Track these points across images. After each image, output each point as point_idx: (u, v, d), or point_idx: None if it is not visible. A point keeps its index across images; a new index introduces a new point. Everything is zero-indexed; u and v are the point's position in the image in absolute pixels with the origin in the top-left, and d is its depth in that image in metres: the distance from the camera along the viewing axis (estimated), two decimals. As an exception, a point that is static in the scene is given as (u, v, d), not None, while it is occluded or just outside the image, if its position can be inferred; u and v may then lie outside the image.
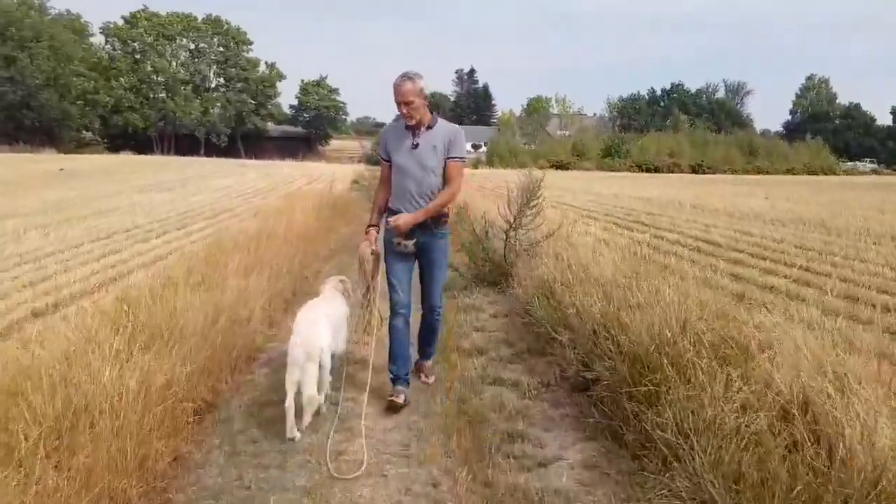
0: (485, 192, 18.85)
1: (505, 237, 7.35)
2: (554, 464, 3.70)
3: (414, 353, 4.89)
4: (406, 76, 4.20)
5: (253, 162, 49.55)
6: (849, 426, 2.74)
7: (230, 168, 37.12)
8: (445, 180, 4.38)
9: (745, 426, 2.99)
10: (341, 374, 4.65)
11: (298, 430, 3.92)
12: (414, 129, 4.34)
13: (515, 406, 4.48)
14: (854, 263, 9.83)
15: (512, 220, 7.40)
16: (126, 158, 49.62)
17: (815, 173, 61.63)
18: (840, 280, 8.46)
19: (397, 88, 4.17)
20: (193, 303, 4.77)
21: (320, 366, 3.92)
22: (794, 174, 59.95)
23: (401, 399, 4.41)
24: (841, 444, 2.69)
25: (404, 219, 4.30)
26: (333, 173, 32.16)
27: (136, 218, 15.14)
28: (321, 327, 4.04)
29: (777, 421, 3.04)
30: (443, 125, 4.41)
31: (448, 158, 4.35)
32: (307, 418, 4.00)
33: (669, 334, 3.87)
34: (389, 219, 4.41)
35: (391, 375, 4.56)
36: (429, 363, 5.02)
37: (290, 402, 3.86)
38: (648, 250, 8.03)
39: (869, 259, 10.07)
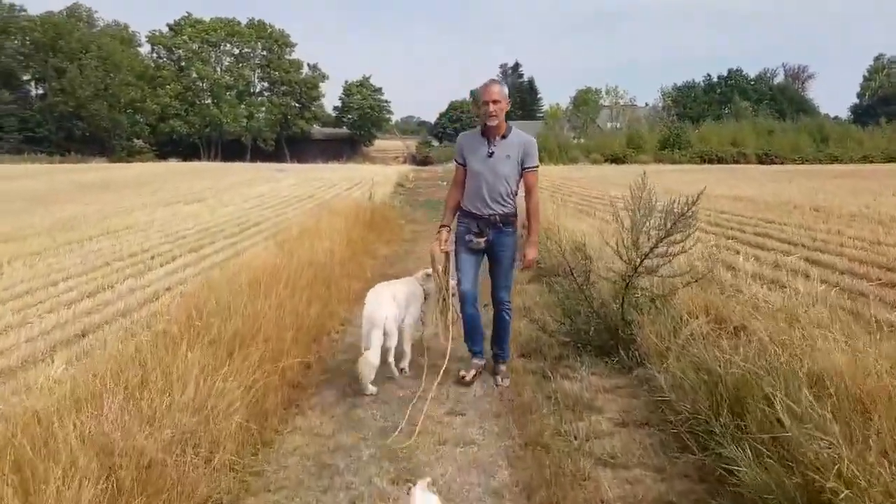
0: (557, 198, 16.09)
1: (625, 284, 4.93)
2: None
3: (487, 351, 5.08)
4: (494, 80, 4.63)
5: (292, 166, 48.11)
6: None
7: (269, 174, 35.41)
8: (526, 189, 4.67)
9: None
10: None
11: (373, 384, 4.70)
12: (489, 138, 4.62)
13: None
14: None
15: (638, 261, 4.81)
16: (169, 166, 48.70)
17: (894, 160, 56.72)
18: None
19: (487, 89, 4.50)
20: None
21: (386, 333, 4.69)
22: (870, 161, 55.25)
23: (471, 375, 4.89)
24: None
25: (532, 254, 4.77)
26: (375, 176, 30.00)
27: (149, 238, 13.23)
28: (384, 300, 4.76)
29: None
30: (516, 135, 4.66)
31: (526, 169, 4.64)
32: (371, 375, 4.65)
33: None
34: (525, 263, 4.73)
35: (469, 349, 5.05)
36: (503, 367, 5.01)
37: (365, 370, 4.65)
38: (841, 297, 5.46)
39: None
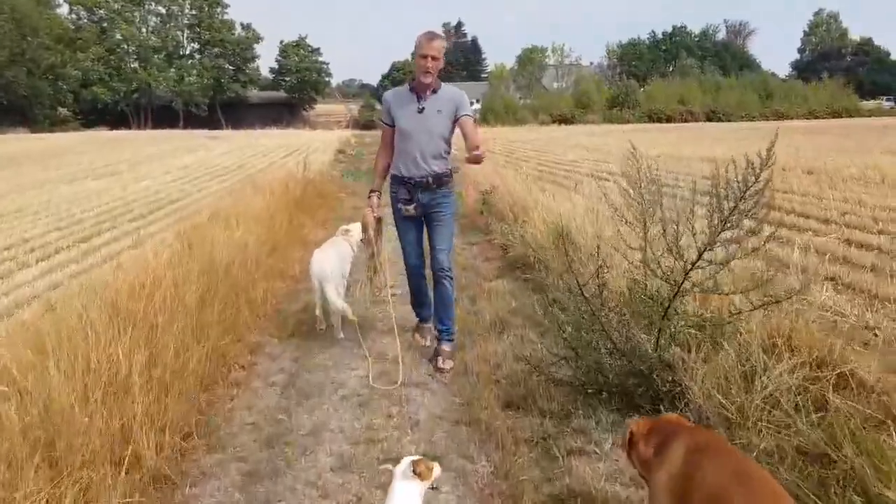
0: (517, 165, 14.27)
1: (662, 311, 3.17)
2: None
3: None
4: (434, 32, 4.34)
5: (226, 133, 44.97)
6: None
7: (200, 142, 32.66)
8: (464, 135, 4.34)
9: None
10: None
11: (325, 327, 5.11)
12: (419, 94, 4.37)
13: None
14: None
15: (683, 274, 3.09)
16: (89, 136, 45.02)
17: (838, 115, 57.26)
18: None
19: (427, 42, 4.22)
20: None
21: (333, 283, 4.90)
22: (817, 117, 55.56)
23: (426, 341, 4.80)
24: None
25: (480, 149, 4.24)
26: (314, 143, 27.78)
27: (38, 223, 11.11)
28: (330, 256, 5.06)
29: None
30: (447, 89, 4.45)
31: (460, 117, 4.34)
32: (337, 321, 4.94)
33: None
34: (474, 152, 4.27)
35: (417, 317, 4.95)
36: (447, 348, 4.55)
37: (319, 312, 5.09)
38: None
39: None
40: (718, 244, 3.03)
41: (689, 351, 3.07)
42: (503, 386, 3.86)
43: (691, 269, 3.03)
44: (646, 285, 3.48)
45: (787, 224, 8.06)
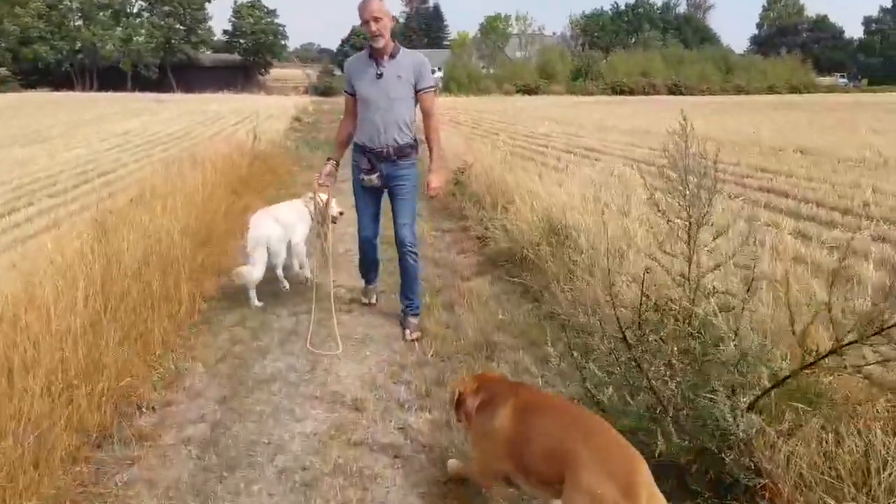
0: (484, 137, 13.11)
1: (773, 381, 2.08)
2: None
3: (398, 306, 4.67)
4: None
5: (175, 96, 42.54)
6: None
7: (145, 105, 30.62)
8: (423, 112, 4.32)
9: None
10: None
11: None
12: (377, 58, 4.22)
13: None
14: None
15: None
16: (25, 97, 42.03)
17: (797, 90, 57.71)
18: None
19: (366, 5, 4.05)
20: None
21: (270, 252, 4.95)
22: (776, 92, 55.82)
23: (372, 299, 4.97)
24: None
25: (437, 181, 4.32)
26: (269, 109, 26.18)
27: (-60, 199, 9.69)
28: (266, 222, 4.99)
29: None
30: (406, 54, 4.28)
31: (420, 91, 4.26)
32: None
33: None
34: (429, 192, 4.30)
35: (364, 279, 4.96)
36: (414, 320, 4.50)
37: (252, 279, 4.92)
38: None
39: None
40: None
41: (775, 420, 2.18)
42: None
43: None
44: (690, 316, 2.56)
45: (805, 215, 7.23)
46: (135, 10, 72.98)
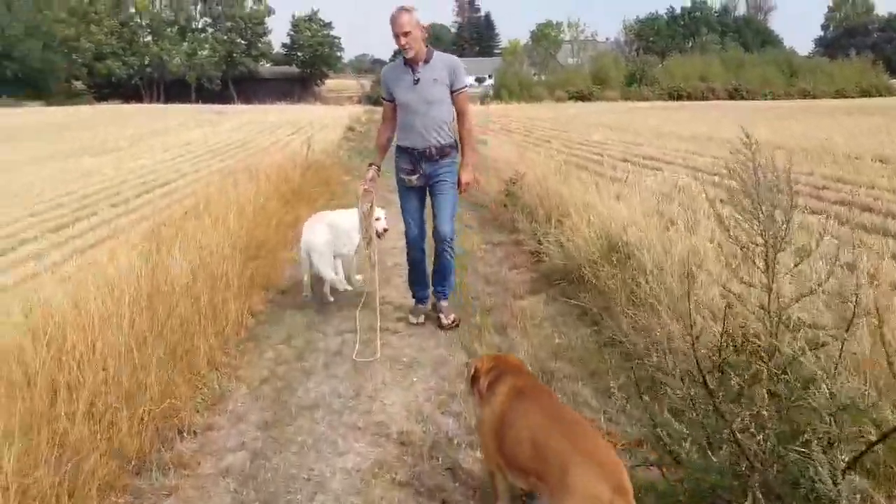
0: (538, 146, 12.72)
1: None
2: None
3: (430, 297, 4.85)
4: (402, 8, 4.29)
5: (235, 107, 43.73)
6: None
7: (206, 117, 31.48)
8: (458, 112, 4.51)
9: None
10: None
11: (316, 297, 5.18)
12: (412, 65, 4.40)
13: None
14: None
15: None
16: (97, 110, 43.96)
17: (868, 94, 54.97)
18: None
19: (395, 20, 4.25)
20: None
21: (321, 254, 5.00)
22: (845, 96, 53.33)
23: (420, 319, 4.77)
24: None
25: (467, 177, 4.51)
26: (322, 119, 26.53)
27: (2, 210, 10.05)
28: (317, 229, 5.08)
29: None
30: (439, 57, 4.46)
31: (455, 92, 4.45)
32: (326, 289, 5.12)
33: None
34: (460, 188, 4.53)
35: (414, 297, 4.88)
36: (446, 304, 4.75)
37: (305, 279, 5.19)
38: None
39: None
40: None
41: (879, 485, 1.90)
42: None
43: None
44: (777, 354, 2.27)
45: (894, 232, 6.62)
46: (199, 26, 75.80)
